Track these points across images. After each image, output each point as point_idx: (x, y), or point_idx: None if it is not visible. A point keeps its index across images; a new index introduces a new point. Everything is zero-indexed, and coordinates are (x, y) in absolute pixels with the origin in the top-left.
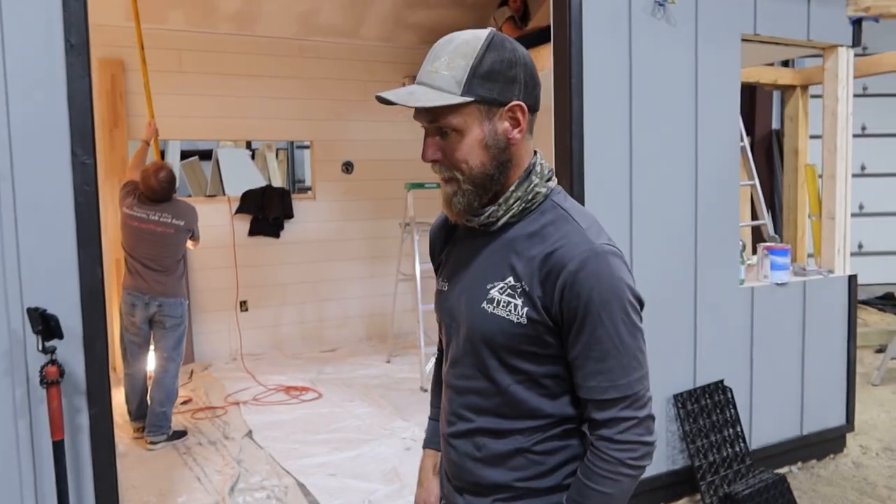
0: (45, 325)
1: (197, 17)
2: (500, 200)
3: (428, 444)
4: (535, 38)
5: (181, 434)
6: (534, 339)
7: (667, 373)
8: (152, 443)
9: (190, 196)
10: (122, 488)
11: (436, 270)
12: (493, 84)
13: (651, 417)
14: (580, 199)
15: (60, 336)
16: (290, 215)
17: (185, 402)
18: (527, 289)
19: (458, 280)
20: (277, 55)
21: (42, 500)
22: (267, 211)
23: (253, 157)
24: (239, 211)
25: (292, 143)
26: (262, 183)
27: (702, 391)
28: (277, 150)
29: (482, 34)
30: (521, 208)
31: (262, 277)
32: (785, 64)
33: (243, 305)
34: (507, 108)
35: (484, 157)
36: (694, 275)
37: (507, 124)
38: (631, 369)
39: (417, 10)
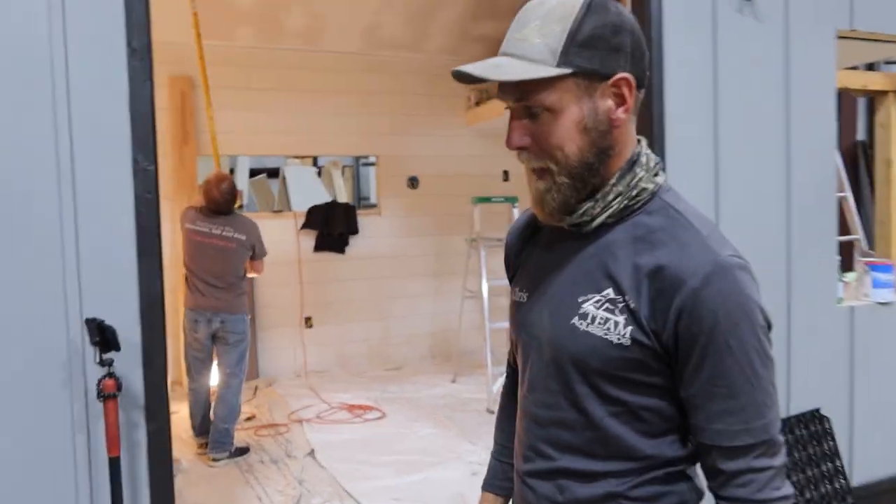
0: (103, 336)
1: (264, 34)
2: (598, 196)
3: (487, 486)
4: None
5: (244, 451)
6: (636, 365)
7: None
8: (214, 459)
9: (256, 212)
10: None
11: (511, 279)
12: (595, 53)
13: (787, 466)
14: None
15: (117, 348)
16: (354, 231)
17: (248, 419)
18: (631, 305)
19: (542, 291)
20: (342, 70)
21: None
22: (332, 227)
23: (319, 174)
24: (304, 227)
25: (358, 158)
26: (328, 199)
27: (796, 420)
28: (343, 166)
29: None
30: (622, 206)
31: (327, 294)
32: (869, 68)
33: (308, 322)
34: (610, 81)
35: (582, 143)
36: (786, 293)
37: (610, 102)
38: (765, 408)
39: (484, 22)
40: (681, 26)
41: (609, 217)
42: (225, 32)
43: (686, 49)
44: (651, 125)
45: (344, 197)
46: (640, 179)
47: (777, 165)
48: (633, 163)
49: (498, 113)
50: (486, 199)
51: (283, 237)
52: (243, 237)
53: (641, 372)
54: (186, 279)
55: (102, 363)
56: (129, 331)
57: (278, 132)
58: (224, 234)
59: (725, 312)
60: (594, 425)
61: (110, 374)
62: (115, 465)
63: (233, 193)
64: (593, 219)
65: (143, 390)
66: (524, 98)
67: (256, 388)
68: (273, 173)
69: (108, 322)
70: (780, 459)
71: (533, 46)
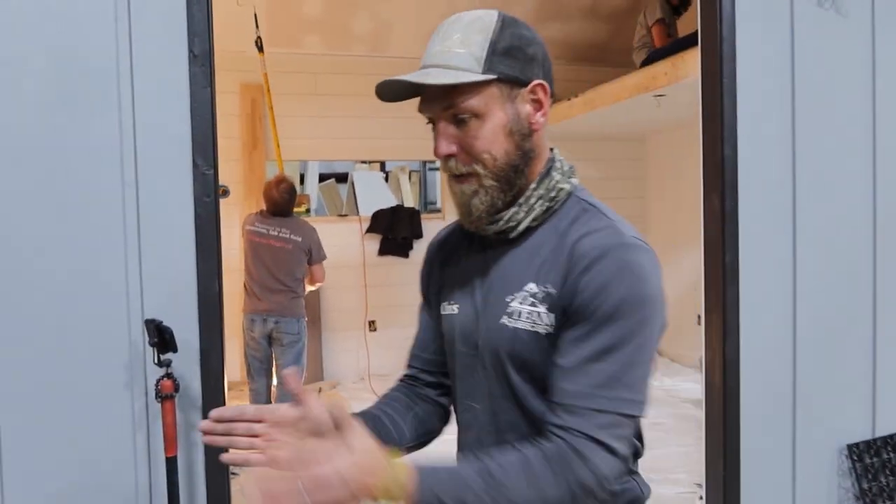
0: (161, 337)
1: (332, 41)
2: (521, 200)
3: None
4: (684, 43)
5: None
6: None
7: (837, 419)
8: None
9: (325, 216)
10: None
11: (430, 294)
12: (514, 61)
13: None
14: (733, 213)
15: (174, 349)
16: (419, 235)
17: None
18: (550, 290)
19: (472, 299)
20: None
21: None
22: (396, 231)
23: (387, 178)
24: (369, 231)
25: (424, 163)
26: (393, 204)
27: (883, 442)
28: (410, 171)
29: (491, 12)
30: (544, 208)
31: (391, 297)
32: None
33: (372, 325)
34: (529, 87)
35: (508, 146)
36: (872, 302)
37: (529, 107)
38: (615, 382)
39: (550, 24)
40: (755, 22)
41: (533, 220)
42: (293, 40)
43: (761, 46)
44: (722, 124)
45: (411, 201)
46: (558, 182)
47: (862, 166)
48: (550, 168)
49: (565, 115)
50: None
51: (348, 241)
52: (299, 239)
53: None
54: (245, 284)
55: (160, 364)
56: (188, 332)
57: (346, 138)
58: (280, 235)
59: (617, 283)
60: (539, 423)
61: (168, 375)
62: (171, 464)
63: (291, 195)
64: (518, 223)
65: (200, 391)
66: (452, 105)
67: (320, 390)
68: (342, 178)
69: (167, 323)
70: (623, 445)
71: (458, 56)
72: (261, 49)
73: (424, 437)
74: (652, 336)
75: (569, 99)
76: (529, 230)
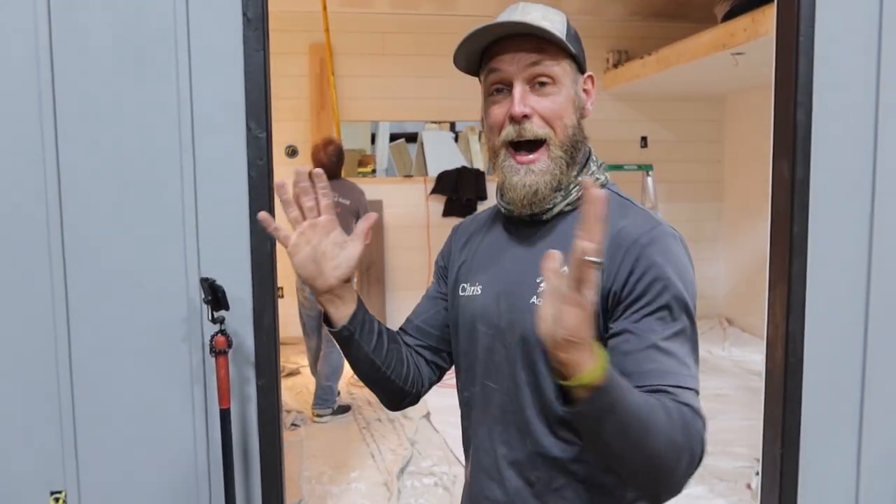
0: (214, 295)
1: (400, 0)
2: (562, 187)
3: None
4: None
5: (346, 409)
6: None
7: None
8: (318, 415)
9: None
10: (304, 456)
11: (445, 275)
12: (580, 49)
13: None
14: (804, 182)
15: (226, 307)
16: (483, 197)
17: None
18: None
19: (497, 281)
20: None
21: (213, 465)
22: (461, 192)
23: (456, 139)
24: (434, 192)
25: None
26: (465, 165)
27: None
28: (480, 132)
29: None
30: (578, 195)
31: None
32: None
33: None
34: (584, 76)
35: (573, 119)
36: None
37: (583, 93)
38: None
39: None
40: None
41: (567, 205)
42: (362, 0)
43: (845, 3)
44: (796, 85)
45: (479, 162)
46: (594, 172)
47: None
48: (588, 158)
49: (638, 75)
50: (619, 167)
51: (413, 201)
52: (347, 202)
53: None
54: None
55: (214, 321)
56: (242, 290)
57: (416, 98)
58: None
59: (664, 269)
60: (550, 405)
61: (221, 332)
62: (225, 416)
63: (339, 157)
64: (555, 206)
65: (253, 347)
66: (539, 64)
67: None
68: (412, 138)
69: (221, 282)
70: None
71: (546, 24)
72: (325, 8)
73: (391, 373)
74: (684, 309)
75: (641, 58)
76: (561, 215)
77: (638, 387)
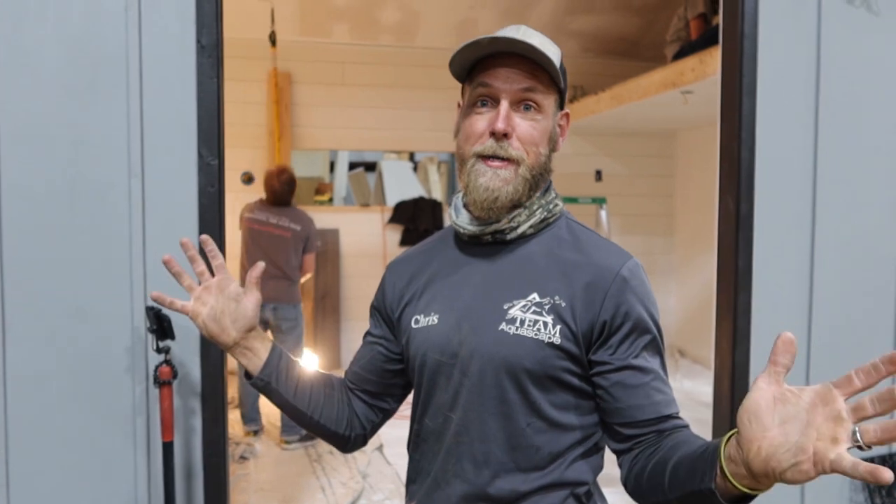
0: (160, 324)
1: (359, 31)
2: (526, 204)
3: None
4: (713, 39)
5: (313, 436)
6: (564, 367)
7: None
8: (286, 442)
9: (352, 206)
10: (252, 490)
11: (385, 314)
12: (566, 84)
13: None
14: (748, 217)
15: (172, 336)
16: (440, 226)
17: None
18: (558, 302)
19: (456, 307)
20: (437, 66)
21: (154, 500)
22: (419, 222)
23: (415, 169)
24: (391, 221)
25: (453, 155)
26: (417, 195)
27: None
28: (439, 162)
29: None
30: (542, 217)
31: None
32: None
33: None
34: (563, 112)
35: (546, 149)
36: (894, 315)
37: (558, 128)
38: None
39: (580, 17)
40: (779, 18)
41: (530, 227)
42: (323, 29)
43: (785, 44)
44: (739, 124)
45: (438, 192)
46: (555, 198)
47: (888, 176)
48: (549, 187)
49: (592, 110)
50: (574, 200)
51: (370, 230)
52: (298, 228)
53: (567, 372)
54: (241, 274)
55: (159, 350)
56: (188, 319)
57: (376, 128)
58: (280, 223)
59: (646, 302)
60: (518, 434)
61: (166, 362)
62: (168, 449)
63: (292, 186)
64: (519, 225)
65: (199, 378)
66: (532, 90)
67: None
68: (371, 167)
69: (167, 311)
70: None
71: (544, 50)
72: (273, 43)
73: (320, 418)
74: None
75: (596, 93)
76: (524, 238)
77: (652, 418)
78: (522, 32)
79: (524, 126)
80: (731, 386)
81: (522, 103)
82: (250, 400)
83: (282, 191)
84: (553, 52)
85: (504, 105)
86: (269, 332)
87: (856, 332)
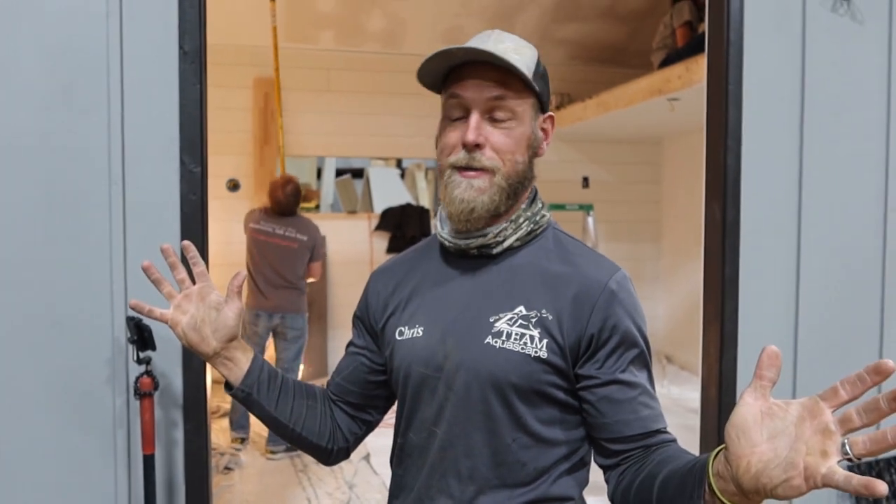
0: (140, 335)
1: (345, 37)
2: (512, 217)
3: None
4: (699, 46)
5: None
6: (550, 381)
7: None
8: (272, 452)
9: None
10: (235, 502)
11: (369, 325)
12: (545, 88)
13: None
14: (734, 224)
15: (153, 347)
16: (427, 234)
17: None
18: (545, 315)
19: (441, 321)
20: None
21: None
22: (406, 229)
23: (403, 175)
24: (378, 228)
25: None
26: (404, 202)
27: (886, 464)
28: (427, 169)
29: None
30: (528, 230)
31: None
32: None
33: None
34: (545, 116)
35: (525, 157)
36: (880, 320)
37: (540, 132)
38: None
39: (566, 24)
40: (765, 27)
41: (517, 240)
42: (308, 36)
43: (770, 53)
44: (725, 131)
45: (426, 198)
46: (542, 209)
47: (873, 182)
48: (535, 196)
49: (579, 117)
50: (561, 207)
51: (356, 237)
52: (305, 238)
53: (554, 387)
54: (248, 281)
55: (140, 361)
56: (170, 329)
57: (362, 134)
58: (286, 234)
59: (634, 316)
60: (503, 450)
61: (147, 373)
62: (149, 461)
63: (297, 197)
64: (505, 239)
65: (181, 389)
66: (501, 98)
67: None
68: (358, 174)
69: (148, 321)
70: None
71: (514, 59)
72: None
73: (302, 430)
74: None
75: (583, 101)
76: (510, 251)
77: (639, 433)
78: (495, 38)
79: (497, 135)
80: (719, 392)
81: (494, 112)
82: (241, 407)
83: (287, 202)
84: (527, 55)
85: (474, 116)
86: (272, 339)
87: (842, 338)
